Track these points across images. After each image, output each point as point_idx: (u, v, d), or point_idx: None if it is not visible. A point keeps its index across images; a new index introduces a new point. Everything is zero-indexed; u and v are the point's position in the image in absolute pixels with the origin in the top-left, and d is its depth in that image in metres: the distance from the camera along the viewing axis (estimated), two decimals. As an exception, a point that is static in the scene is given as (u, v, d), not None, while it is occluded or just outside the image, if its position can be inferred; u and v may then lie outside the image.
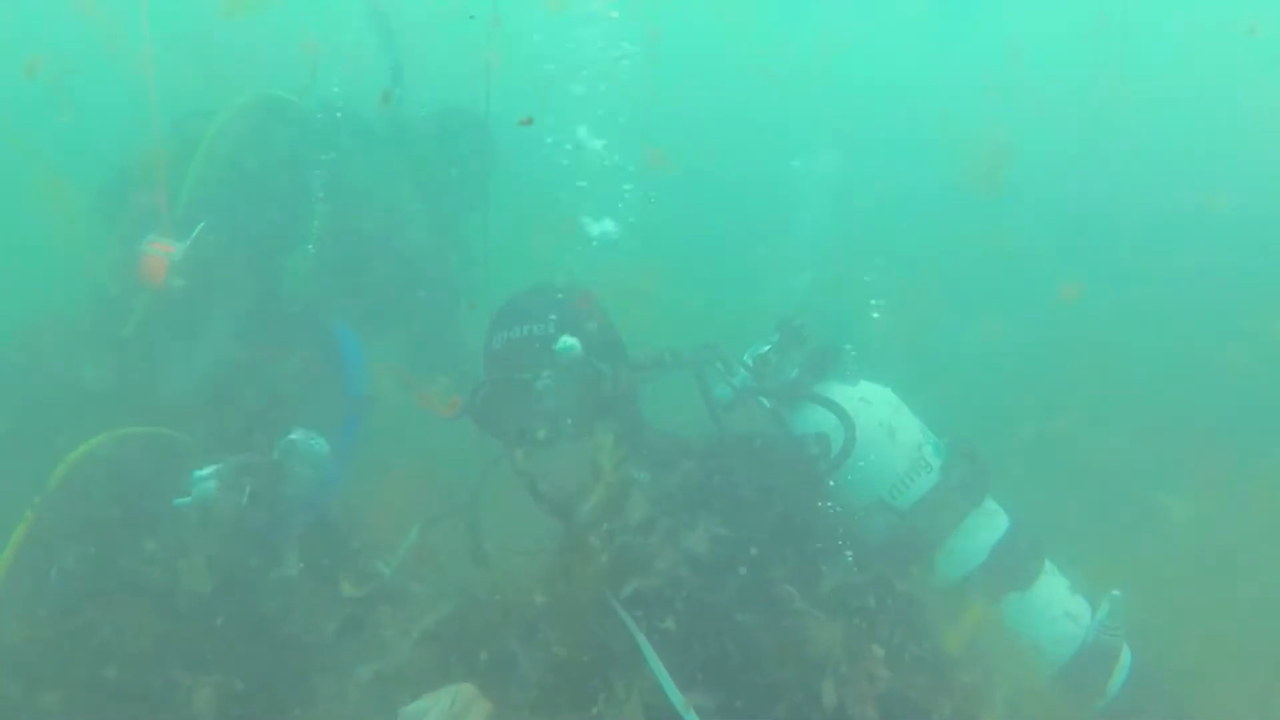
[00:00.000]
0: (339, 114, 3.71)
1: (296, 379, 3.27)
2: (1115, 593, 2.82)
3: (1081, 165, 6.79)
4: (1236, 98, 7.37)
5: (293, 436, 2.91)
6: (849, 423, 2.67)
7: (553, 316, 2.68)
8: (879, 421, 2.79)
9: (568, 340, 2.60)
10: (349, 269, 3.63)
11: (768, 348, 2.94)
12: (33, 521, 2.78)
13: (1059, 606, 2.84)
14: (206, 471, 2.75)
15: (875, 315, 3.50)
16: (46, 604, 2.73)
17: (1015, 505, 2.94)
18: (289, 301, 3.46)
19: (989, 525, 2.84)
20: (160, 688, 2.66)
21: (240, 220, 3.34)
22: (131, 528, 2.80)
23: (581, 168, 3.16)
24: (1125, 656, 2.83)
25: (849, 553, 2.39)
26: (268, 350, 3.26)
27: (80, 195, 3.66)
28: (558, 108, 3.27)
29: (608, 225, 3.01)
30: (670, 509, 2.35)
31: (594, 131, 3.18)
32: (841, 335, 2.95)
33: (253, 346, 3.25)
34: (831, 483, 2.64)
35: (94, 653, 2.68)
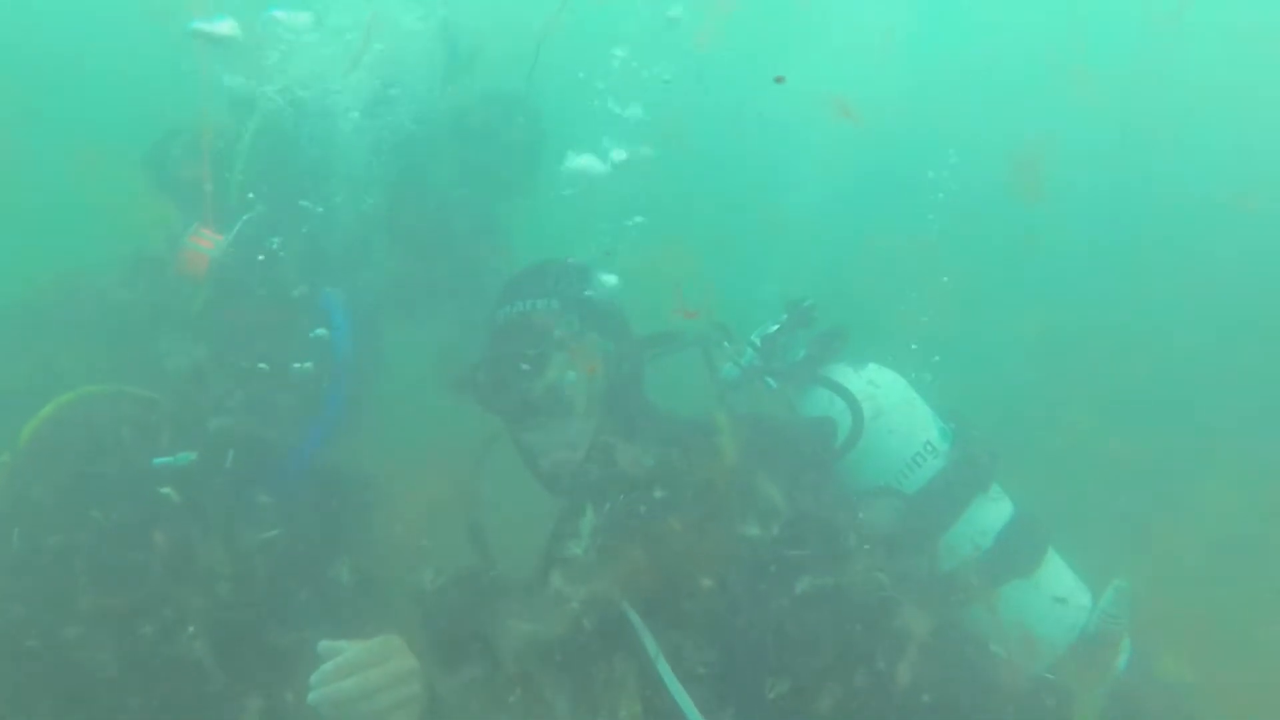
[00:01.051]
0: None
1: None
2: (1120, 581, 2.79)
3: (1111, 159, 6.64)
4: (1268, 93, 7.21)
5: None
6: (857, 408, 2.65)
7: (559, 291, 2.68)
8: (887, 406, 2.77)
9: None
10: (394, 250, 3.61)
11: (776, 328, 2.93)
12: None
13: (1061, 594, 2.82)
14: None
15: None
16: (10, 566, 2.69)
17: (1021, 491, 2.92)
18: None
19: (994, 511, 2.82)
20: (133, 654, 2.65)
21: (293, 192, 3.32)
22: (105, 488, 2.76)
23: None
24: (1125, 645, 2.80)
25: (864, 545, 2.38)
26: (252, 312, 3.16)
27: (127, 155, 3.64)
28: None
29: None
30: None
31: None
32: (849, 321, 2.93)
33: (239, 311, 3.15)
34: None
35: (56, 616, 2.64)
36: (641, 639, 2.31)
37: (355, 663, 2.07)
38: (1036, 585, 2.79)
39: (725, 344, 2.91)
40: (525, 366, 2.60)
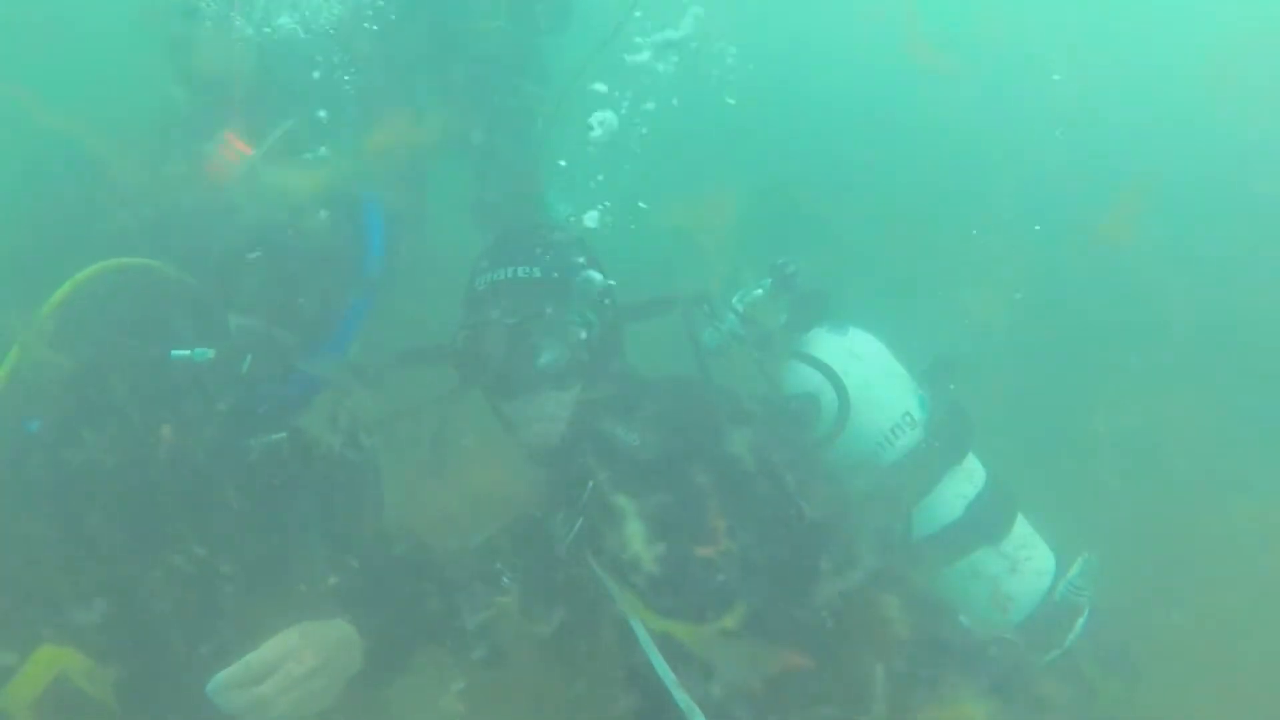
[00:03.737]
0: None
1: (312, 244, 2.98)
2: (1088, 555, 2.87)
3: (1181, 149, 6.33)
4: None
5: None
6: (844, 396, 2.63)
7: (541, 260, 2.60)
8: (869, 378, 2.76)
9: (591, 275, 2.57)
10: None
11: (759, 292, 2.87)
12: (20, 357, 2.60)
13: (1025, 562, 2.88)
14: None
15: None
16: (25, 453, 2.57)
17: (993, 459, 2.95)
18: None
19: (967, 481, 2.85)
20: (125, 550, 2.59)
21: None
22: (124, 370, 2.63)
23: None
24: (1084, 615, 2.88)
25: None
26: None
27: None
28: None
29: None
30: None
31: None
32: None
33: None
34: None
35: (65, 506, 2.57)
36: (623, 611, 2.34)
37: (249, 673, 2.07)
38: (1003, 552, 2.86)
39: (706, 309, 2.84)
40: (504, 338, 2.54)
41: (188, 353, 2.63)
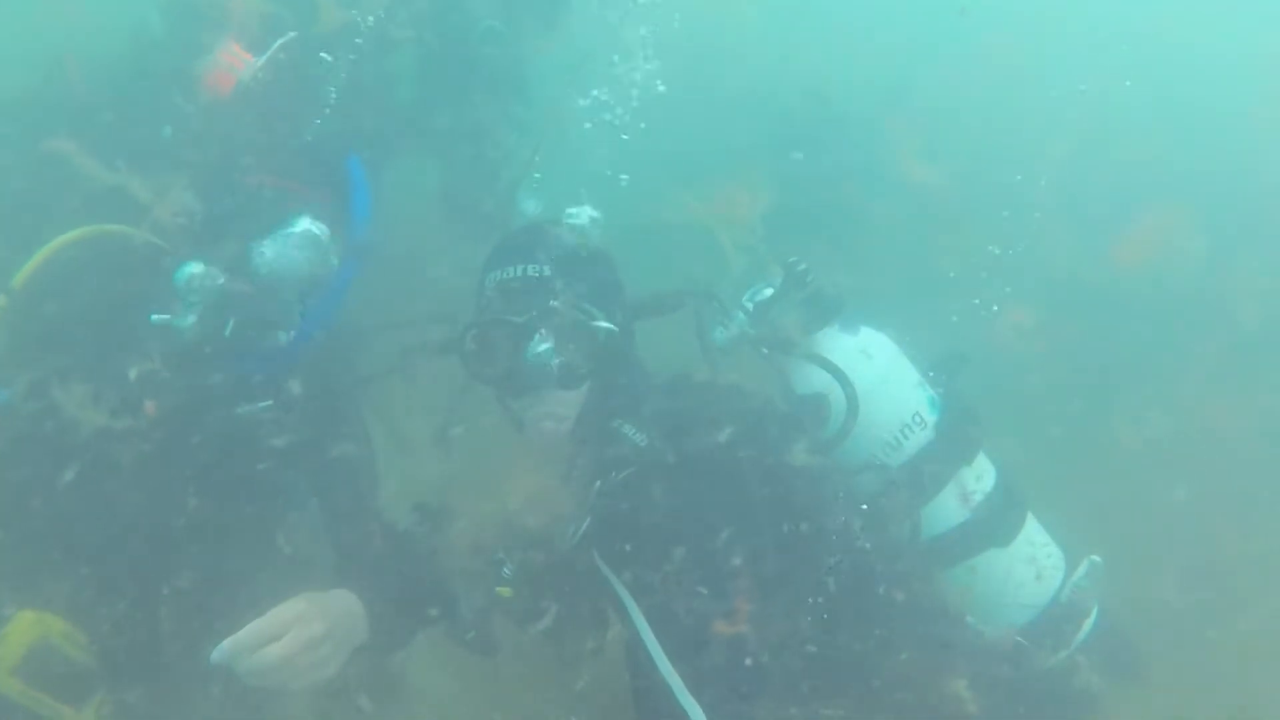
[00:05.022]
0: None
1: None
2: (1095, 558, 2.85)
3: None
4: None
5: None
6: (853, 396, 2.63)
7: (548, 258, 2.60)
8: (879, 378, 2.75)
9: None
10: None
11: (770, 292, 2.86)
12: None
13: (1034, 563, 2.87)
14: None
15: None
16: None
17: (1003, 459, 2.94)
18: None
19: (977, 482, 2.82)
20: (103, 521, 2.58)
21: None
22: (100, 338, 2.61)
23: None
24: (1092, 617, 2.87)
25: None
26: (271, 177, 2.92)
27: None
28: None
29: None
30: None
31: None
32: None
33: (257, 171, 2.91)
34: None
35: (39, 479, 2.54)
36: (627, 607, 2.35)
37: (256, 638, 2.07)
38: (1012, 554, 2.85)
39: (716, 307, 2.84)
40: (513, 335, 2.55)
41: (167, 318, 2.58)
